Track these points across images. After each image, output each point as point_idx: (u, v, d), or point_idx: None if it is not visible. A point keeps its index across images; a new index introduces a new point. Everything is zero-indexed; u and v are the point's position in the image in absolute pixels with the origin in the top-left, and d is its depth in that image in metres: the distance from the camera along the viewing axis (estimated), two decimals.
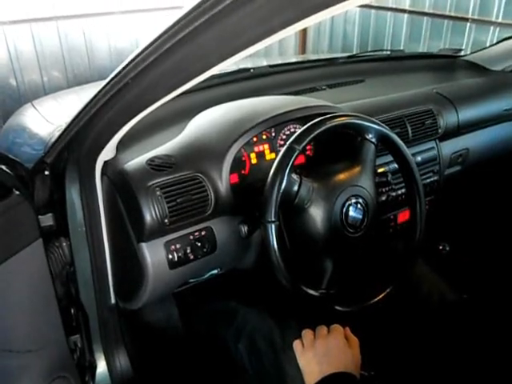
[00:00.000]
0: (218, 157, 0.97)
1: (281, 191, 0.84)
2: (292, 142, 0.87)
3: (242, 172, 1.05)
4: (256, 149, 1.06)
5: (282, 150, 0.87)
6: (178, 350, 1.22)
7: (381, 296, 0.97)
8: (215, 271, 1.12)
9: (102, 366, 1.16)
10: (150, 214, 0.88)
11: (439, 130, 1.30)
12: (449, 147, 1.37)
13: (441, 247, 1.45)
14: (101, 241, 1.01)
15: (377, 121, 0.98)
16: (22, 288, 0.87)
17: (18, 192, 0.83)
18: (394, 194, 1.17)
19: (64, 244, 1.05)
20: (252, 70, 1.45)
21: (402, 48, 3.28)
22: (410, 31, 3.37)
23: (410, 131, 1.22)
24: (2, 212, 0.80)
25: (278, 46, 3.83)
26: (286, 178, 0.85)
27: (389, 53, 1.81)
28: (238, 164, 1.02)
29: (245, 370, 1.01)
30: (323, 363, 0.75)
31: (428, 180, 1.27)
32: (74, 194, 0.99)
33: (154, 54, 0.65)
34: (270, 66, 1.54)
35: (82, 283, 1.08)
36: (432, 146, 1.29)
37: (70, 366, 1.03)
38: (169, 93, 0.67)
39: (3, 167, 0.84)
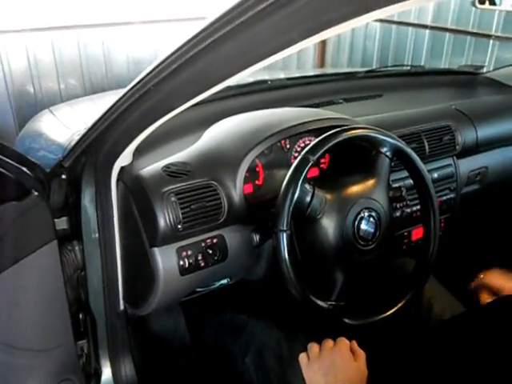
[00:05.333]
0: (232, 165, 0.97)
1: (293, 201, 0.84)
2: (306, 153, 0.87)
3: (256, 182, 1.05)
4: (270, 160, 1.06)
5: (296, 160, 0.87)
6: (184, 361, 1.21)
7: (391, 312, 0.96)
8: (225, 281, 1.11)
9: (107, 373, 1.16)
10: (164, 219, 0.89)
11: (457, 147, 1.28)
12: (466, 165, 1.35)
13: (455, 265, 1.43)
14: (113, 246, 1.01)
15: (392, 135, 0.98)
16: (35, 288, 0.88)
17: (36, 193, 0.85)
18: (408, 210, 1.16)
19: (76, 248, 1.05)
20: (269, 82, 1.46)
21: (422, 64, 3.26)
22: (431, 47, 3.34)
23: (426, 147, 1.21)
24: (21, 212, 0.81)
25: (296, 59, 3.84)
26: (299, 188, 0.85)
27: (409, 68, 1.80)
28: (252, 174, 1.02)
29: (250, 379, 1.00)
30: (328, 375, 0.74)
31: (444, 197, 1.26)
32: (89, 199, 1.00)
33: (176, 61, 0.66)
34: (288, 79, 1.55)
35: (92, 288, 1.08)
36: (449, 163, 1.28)
37: (77, 370, 1.03)
38: (188, 100, 0.68)
39: (24, 169, 0.85)
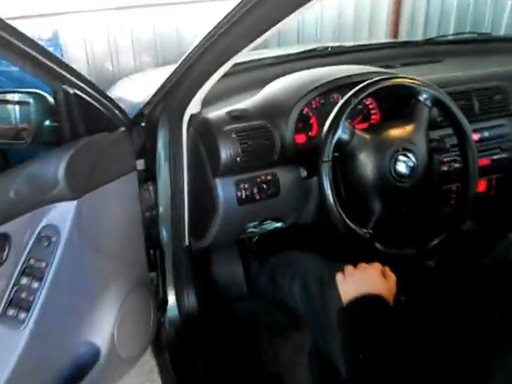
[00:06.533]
0: (284, 112, 1.10)
1: (335, 137, 0.96)
2: (350, 96, 0.98)
3: (310, 134, 1.16)
4: (323, 112, 1.15)
5: (340, 101, 0.97)
6: (238, 295, 1.35)
7: (423, 247, 1.03)
8: (278, 224, 1.23)
9: (172, 302, 1.32)
10: (226, 152, 1.03)
11: (511, 107, 1.29)
12: None
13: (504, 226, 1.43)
14: (182, 185, 1.16)
15: (431, 84, 1.04)
16: (116, 212, 1.04)
17: (123, 129, 1.00)
18: (457, 165, 1.20)
19: (151, 188, 1.21)
20: (330, 49, 1.54)
21: (503, 34, 3.10)
22: None
23: (476, 105, 1.24)
24: (111, 142, 0.97)
25: (367, 29, 3.76)
26: (341, 125, 0.97)
27: (475, 35, 1.79)
28: (306, 125, 1.13)
29: (298, 312, 1.11)
30: (359, 285, 0.83)
31: (495, 156, 1.28)
32: (163, 144, 1.15)
33: (238, 12, 0.78)
34: (347, 47, 1.61)
35: (163, 225, 1.23)
36: (503, 123, 1.29)
37: (147, 284, 1.19)
38: (249, 43, 0.79)
39: (115, 110, 1.01)
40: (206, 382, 1.25)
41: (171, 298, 1.31)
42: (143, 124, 1.14)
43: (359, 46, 1.63)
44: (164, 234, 1.24)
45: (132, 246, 1.10)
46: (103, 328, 1.03)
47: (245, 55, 0.86)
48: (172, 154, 1.13)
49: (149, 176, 1.20)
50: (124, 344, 1.09)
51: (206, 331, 1.29)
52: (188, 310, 1.30)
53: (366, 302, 0.82)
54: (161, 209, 1.21)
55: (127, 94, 1.62)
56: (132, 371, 1.32)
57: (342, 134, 0.97)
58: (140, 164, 1.18)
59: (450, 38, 1.76)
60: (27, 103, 0.96)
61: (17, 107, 0.97)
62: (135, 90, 1.62)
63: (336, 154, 1.00)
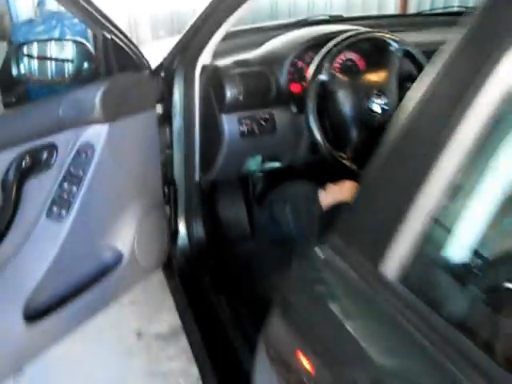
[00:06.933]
0: (279, 61, 1.34)
1: (319, 80, 1.19)
2: (332, 45, 1.22)
3: (304, 84, 1.37)
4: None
5: (324, 49, 1.19)
6: (242, 235, 1.58)
7: None
8: (277, 164, 1.45)
9: (182, 232, 1.55)
10: (230, 92, 1.27)
11: None
12: None
13: None
14: (194, 126, 1.38)
15: (403, 39, 1.26)
16: (139, 141, 1.26)
17: (148, 71, 1.23)
18: None
19: (167, 130, 1.44)
20: (328, 17, 1.75)
21: None
22: None
23: None
24: (137, 80, 1.20)
25: (377, 4, 3.91)
26: (323, 69, 1.19)
27: (463, 9, 1.97)
28: (299, 75, 1.34)
29: (291, 234, 1.32)
30: (337, 195, 1.03)
31: None
32: (178, 91, 1.37)
33: None
34: (345, 17, 1.83)
35: (178, 163, 1.46)
36: None
37: (162, 210, 1.43)
38: None
39: (141, 57, 1.23)
40: (211, 299, 1.48)
41: (182, 229, 1.54)
42: (162, 74, 1.36)
43: (355, 17, 1.84)
44: (177, 171, 1.47)
45: (150, 173, 1.33)
46: (125, 237, 1.26)
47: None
48: (186, 99, 1.36)
49: (166, 120, 1.42)
50: (142, 254, 1.31)
51: (211, 257, 1.51)
52: (196, 239, 1.52)
53: (342, 207, 1.02)
54: (175, 148, 1.43)
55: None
56: (147, 293, 1.56)
57: (324, 76, 1.20)
58: (158, 109, 1.41)
59: (438, 11, 1.96)
60: (71, 48, 1.20)
61: (62, 51, 1.21)
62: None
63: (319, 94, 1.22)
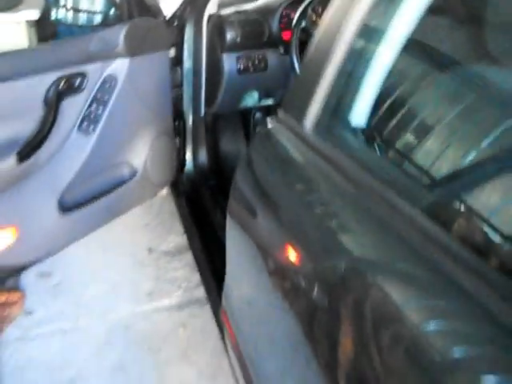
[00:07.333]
0: (272, 10, 1.60)
1: (301, 23, 1.45)
2: None
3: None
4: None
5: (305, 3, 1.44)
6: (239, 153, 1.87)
7: None
8: (270, 101, 1.71)
9: (189, 159, 1.84)
10: (230, 34, 1.54)
11: None
12: None
13: None
14: (201, 66, 1.65)
15: None
16: (155, 76, 1.52)
17: (162, 18, 1.48)
18: None
19: (178, 71, 1.70)
20: None
21: None
22: None
23: None
24: (155, 24, 1.46)
25: None
26: (306, 16, 1.45)
27: None
28: (289, 22, 1.58)
29: None
30: None
31: None
32: (189, 37, 1.63)
33: None
34: None
35: (186, 99, 1.73)
36: None
37: (171, 137, 1.70)
38: None
39: (159, 6, 1.48)
40: (211, 213, 1.77)
41: (188, 157, 1.83)
42: (176, 23, 1.61)
43: None
44: (186, 106, 1.74)
45: (162, 105, 1.60)
46: (140, 155, 1.55)
47: None
48: (195, 44, 1.62)
49: (177, 62, 1.68)
50: (153, 171, 1.60)
51: (212, 179, 1.81)
52: (201, 164, 1.81)
53: None
54: (185, 86, 1.70)
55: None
56: (159, 218, 1.87)
57: (305, 23, 1.44)
58: (172, 53, 1.67)
59: None
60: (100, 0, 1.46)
61: (93, 4, 1.47)
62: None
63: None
